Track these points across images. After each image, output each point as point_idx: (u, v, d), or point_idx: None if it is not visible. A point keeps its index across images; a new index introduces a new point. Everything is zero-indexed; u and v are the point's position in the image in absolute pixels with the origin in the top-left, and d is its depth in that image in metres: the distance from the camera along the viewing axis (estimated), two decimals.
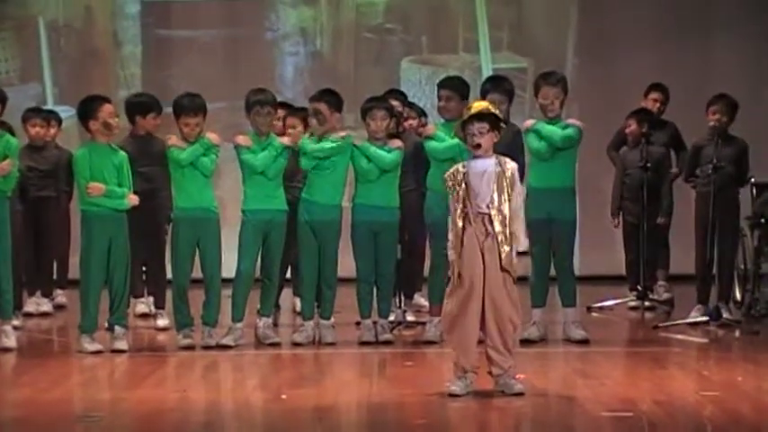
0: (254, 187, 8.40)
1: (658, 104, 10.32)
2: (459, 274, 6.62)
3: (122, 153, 8.33)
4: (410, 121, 9.35)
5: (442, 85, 8.56)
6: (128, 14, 12.74)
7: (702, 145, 9.36)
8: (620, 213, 10.17)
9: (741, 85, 11.35)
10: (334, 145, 8.37)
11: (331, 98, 8.53)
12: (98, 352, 8.10)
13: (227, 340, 8.32)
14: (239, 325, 8.40)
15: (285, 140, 8.53)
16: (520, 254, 6.70)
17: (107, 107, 8.25)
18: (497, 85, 8.71)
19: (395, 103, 9.05)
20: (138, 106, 9.18)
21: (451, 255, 6.67)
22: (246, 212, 8.43)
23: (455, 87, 8.46)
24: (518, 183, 6.73)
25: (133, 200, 8.24)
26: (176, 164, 8.32)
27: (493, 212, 6.62)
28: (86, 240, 8.23)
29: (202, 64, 12.44)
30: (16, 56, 12.66)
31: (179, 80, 11.89)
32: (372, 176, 8.44)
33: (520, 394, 6.60)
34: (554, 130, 8.34)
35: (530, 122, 8.52)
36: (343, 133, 8.47)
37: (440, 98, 8.47)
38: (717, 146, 9.09)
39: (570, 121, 8.55)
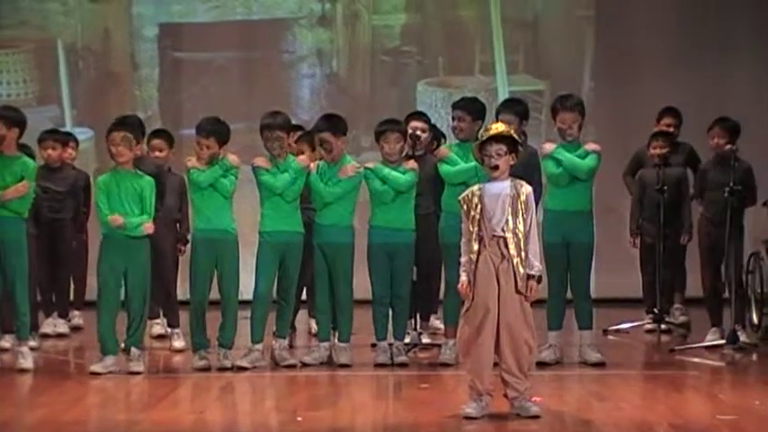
0: (272, 209, 8.42)
1: (672, 129, 10.32)
2: (473, 297, 6.61)
3: (147, 179, 8.34)
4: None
5: (454, 105, 8.59)
6: (145, 37, 12.81)
7: (707, 169, 9.39)
8: (639, 234, 10.16)
9: (756, 107, 11.37)
10: (346, 186, 8.39)
11: (333, 125, 8.54)
12: (109, 373, 8.11)
13: (244, 362, 8.32)
14: (258, 347, 8.41)
15: (302, 160, 8.54)
16: (531, 277, 6.67)
17: (111, 136, 8.27)
18: (509, 106, 8.76)
19: (418, 124, 9.09)
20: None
21: (463, 277, 6.67)
22: (264, 234, 8.45)
23: (467, 107, 8.48)
24: (533, 206, 6.73)
25: (148, 228, 8.24)
26: (196, 185, 8.34)
27: (508, 235, 6.62)
28: (103, 263, 8.26)
29: (219, 86, 12.50)
30: (35, 78, 12.73)
31: (196, 102, 11.94)
32: (387, 198, 8.45)
33: (536, 417, 6.59)
34: (577, 164, 8.32)
35: (548, 147, 8.49)
36: (352, 171, 8.44)
37: (453, 118, 8.51)
38: (720, 168, 9.11)
39: (589, 147, 8.48)
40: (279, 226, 8.40)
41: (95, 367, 8.20)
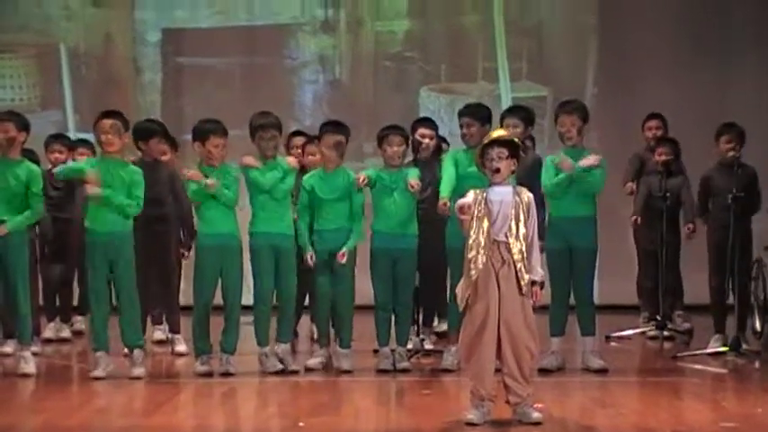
0: (261, 209, 8.39)
1: (656, 132, 10.33)
2: (474, 303, 6.60)
3: (134, 168, 8.34)
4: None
5: (461, 113, 8.56)
6: (148, 42, 12.83)
7: (711, 176, 9.38)
8: (639, 240, 10.17)
9: (758, 113, 11.37)
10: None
11: (347, 130, 8.56)
12: (100, 378, 8.11)
13: (270, 366, 8.31)
14: (266, 350, 8.40)
15: (291, 161, 8.54)
16: (535, 283, 6.66)
17: (100, 123, 8.27)
18: (514, 111, 8.83)
19: (426, 131, 9.10)
20: (140, 132, 9.11)
21: (464, 282, 6.65)
22: (254, 234, 8.42)
23: (474, 114, 8.46)
24: (534, 212, 6.72)
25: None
26: (197, 195, 8.34)
27: (511, 240, 6.62)
28: (87, 260, 8.31)
29: (222, 91, 12.50)
30: (37, 83, 12.75)
31: (198, 107, 11.93)
32: (390, 204, 8.44)
33: (537, 423, 6.58)
34: (592, 183, 8.31)
35: (570, 165, 8.37)
36: (362, 177, 8.44)
37: (461, 126, 8.48)
38: (736, 175, 9.08)
39: (589, 161, 8.35)
40: (268, 227, 8.37)
41: (97, 372, 8.19)
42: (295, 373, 8.35)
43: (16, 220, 8.33)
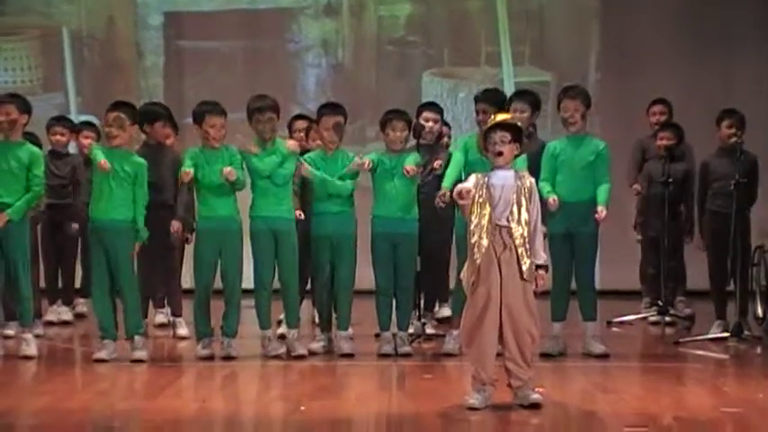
0: (261, 194, 8.38)
1: (664, 117, 10.31)
2: (476, 287, 6.60)
3: (139, 160, 8.32)
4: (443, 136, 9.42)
5: (477, 98, 8.43)
6: (150, 25, 12.81)
7: (710, 161, 9.37)
8: (642, 226, 10.17)
9: (759, 100, 11.35)
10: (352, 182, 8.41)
11: (344, 110, 8.56)
12: (102, 360, 8.11)
13: (272, 350, 8.32)
14: (269, 333, 8.41)
15: (291, 144, 8.53)
16: (540, 267, 6.66)
17: (108, 115, 8.26)
18: (521, 95, 8.80)
19: (431, 115, 9.10)
20: (145, 115, 9.10)
21: (468, 267, 6.65)
22: (255, 218, 8.41)
23: (490, 99, 8.29)
24: (536, 196, 6.71)
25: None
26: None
27: (513, 225, 6.61)
28: (90, 249, 8.33)
29: (224, 75, 12.49)
30: (40, 65, 12.75)
31: (200, 91, 11.92)
32: (391, 189, 8.42)
33: (537, 405, 6.58)
34: (604, 199, 8.32)
35: (555, 204, 8.26)
36: (367, 162, 8.43)
37: (477, 112, 8.37)
38: (739, 161, 9.06)
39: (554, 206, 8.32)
40: (269, 211, 8.35)
41: (100, 354, 8.20)
42: (301, 357, 8.35)
43: (17, 205, 8.32)
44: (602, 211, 8.26)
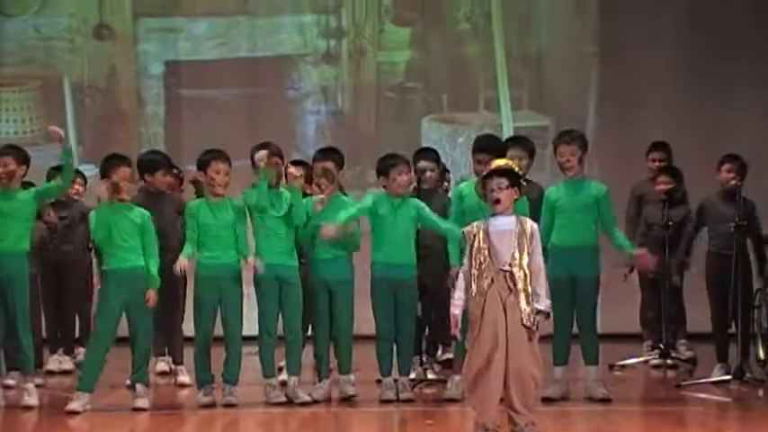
0: (266, 240, 8.39)
1: (660, 163, 10.32)
2: (480, 331, 6.59)
3: (142, 211, 8.33)
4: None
5: (475, 148, 8.32)
6: (151, 74, 12.88)
7: (707, 205, 9.38)
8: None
9: (758, 143, 11.39)
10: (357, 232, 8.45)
11: (336, 156, 8.58)
12: (75, 412, 8.02)
13: (274, 397, 8.29)
14: (273, 381, 8.39)
15: (327, 231, 8.31)
16: (540, 312, 6.65)
17: (123, 170, 8.24)
18: (518, 141, 8.82)
19: (427, 164, 9.11)
20: (147, 164, 9.14)
21: (455, 309, 6.65)
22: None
23: (489, 148, 8.20)
24: (538, 240, 6.71)
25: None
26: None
27: (515, 269, 6.61)
28: (103, 298, 8.27)
29: (224, 123, 12.53)
30: (41, 115, 12.78)
31: (200, 139, 11.95)
32: (389, 234, 8.42)
33: None
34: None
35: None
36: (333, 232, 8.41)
37: (476, 161, 8.23)
38: (739, 203, 9.09)
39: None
40: (272, 258, 8.36)
41: (73, 405, 8.09)
42: (304, 404, 8.31)
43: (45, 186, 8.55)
44: (638, 252, 8.65)
